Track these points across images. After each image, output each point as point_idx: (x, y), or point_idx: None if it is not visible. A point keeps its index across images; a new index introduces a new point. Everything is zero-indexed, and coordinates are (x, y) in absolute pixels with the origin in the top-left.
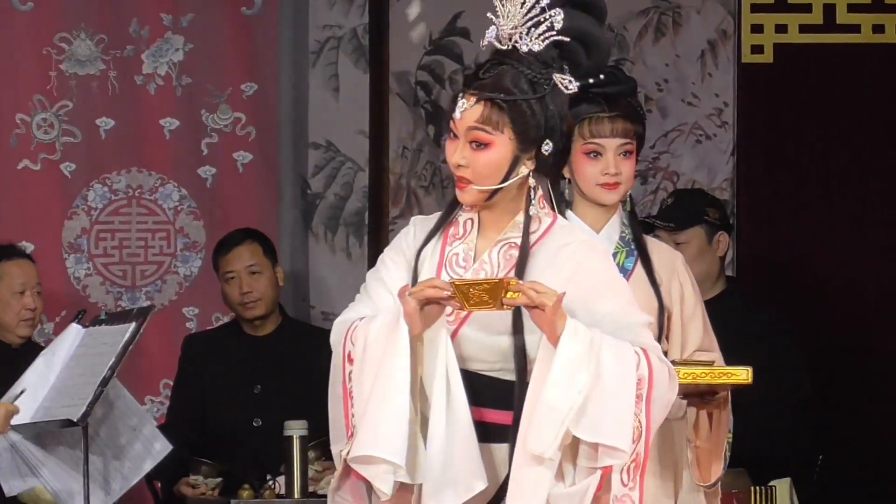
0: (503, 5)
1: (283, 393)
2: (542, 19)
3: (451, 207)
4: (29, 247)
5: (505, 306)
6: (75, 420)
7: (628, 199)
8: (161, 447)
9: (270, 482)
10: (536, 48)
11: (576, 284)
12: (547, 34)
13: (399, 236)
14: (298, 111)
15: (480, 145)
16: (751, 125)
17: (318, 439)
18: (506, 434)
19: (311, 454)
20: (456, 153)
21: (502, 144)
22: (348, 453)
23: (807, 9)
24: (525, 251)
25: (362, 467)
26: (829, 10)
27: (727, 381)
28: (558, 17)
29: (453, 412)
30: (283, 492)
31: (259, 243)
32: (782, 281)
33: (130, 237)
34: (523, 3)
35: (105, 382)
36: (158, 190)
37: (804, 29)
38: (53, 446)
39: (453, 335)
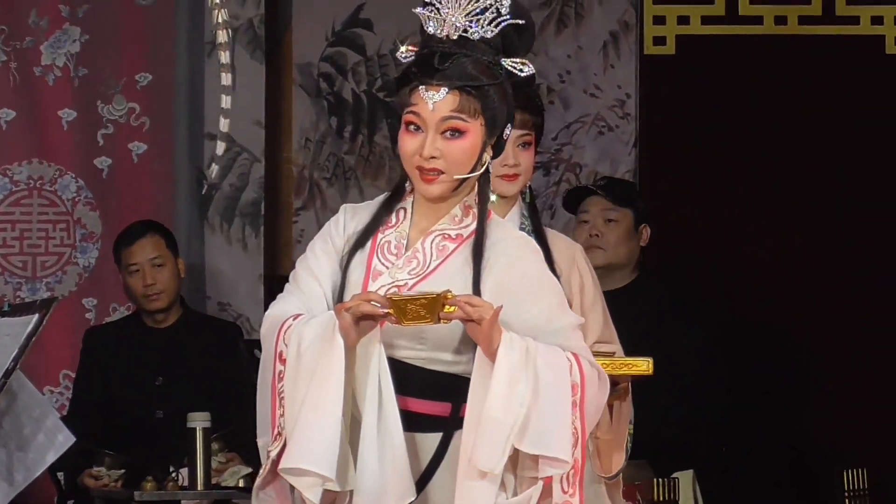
0: None
1: (185, 384)
2: (488, 5)
3: (391, 198)
4: None
5: (442, 321)
6: None
7: (528, 191)
8: (64, 438)
9: (174, 474)
10: (489, 35)
11: (509, 281)
12: (499, 19)
13: (328, 224)
14: (194, 102)
15: (455, 134)
16: (653, 116)
17: (221, 431)
18: (429, 424)
19: (214, 446)
20: (426, 146)
21: (476, 131)
22: (277, 457)
23: (709, 0)
24: (481, 241)
25: (293, 478)
26: (732, 2)
27: (628, 371)
28: (505, 1)
29: (385, 424)
30: (186, 483)
31: (161, 236)
32: (686, 269)
33: (31, 228)
34: None
35: (8, 374)
36: (58, 181)
37: (706, 20)
38: None
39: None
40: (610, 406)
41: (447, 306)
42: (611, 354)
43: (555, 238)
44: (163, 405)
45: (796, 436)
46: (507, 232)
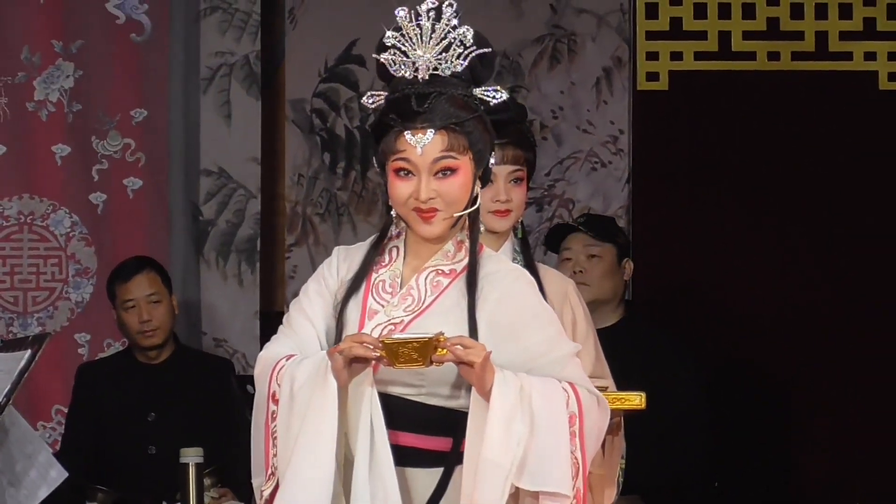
0: (410, 36)
1: (177, 420)
2: (451, 40)
3: (381, 238)
4: None
5: (434, 363)
6: None
7: (520, 226)
8: (57, 474)
9: None
10: (459, 69)
11: (504, 313)
12: (465, 52)
13: (321, 267)
14: (189, 138)
15: (448, 172)
16: (646, 152)
17: (214, 466)
18: (430, 459)
19: (207, 481)
20: (422, 190)
21: (466, 167)
22: (270, 496)
23: (702, 36)
24: (474, 274)
25: None
26: (725, 38)
27: (620, 406)
28: (468, 33)
29: (377, 464)
30: None
31: (157, 272)
32: (678, 306)
33: (22, 263)
34: (427, 30)
35: (0, 410)
36: (50, 216)
37: (699, 56)
38: None
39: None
40: (602, 441)
41: (439, 349)
42: (603, 389)
43: (547, 273)
44: (155, 441)
45: (787, 471)
46: (500, 265)
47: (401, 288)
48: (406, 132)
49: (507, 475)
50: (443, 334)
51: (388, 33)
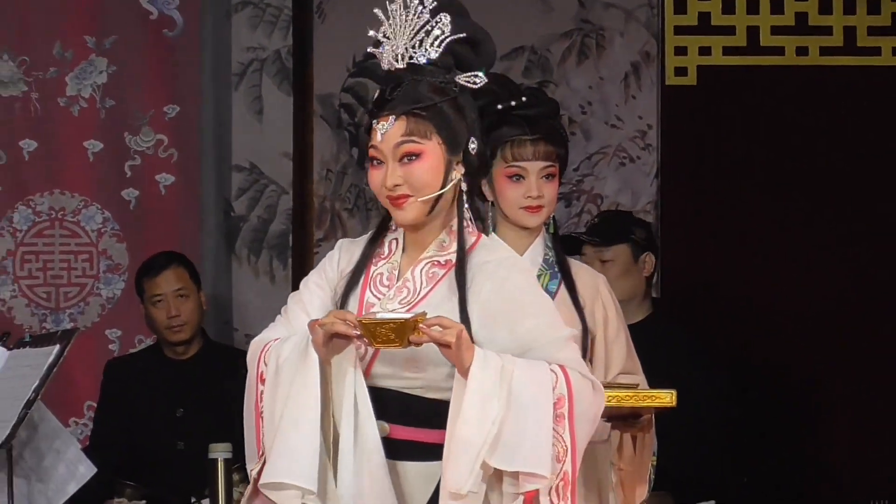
0: (390, 26)
1: (205, 416)
2: (430, 27)
3: (379, 231)
4: None
5: (411, 344)
6: None
7: (552, 222)
8: (85, 470)
9: None
10: (434, 55)
11: (498, 301)
12: (440, 38)
13: (325, 259)
14: (221, 133)
15: (412, 157)
16: (674, 147)
17: (243, 461)
18: (437, 453)
19: (236, 476)
20: (388, 177)
21: (433, 150)
22: (258, 475)
23: (730, 31)
24: (462, 265)
25: (273, 492)
26: (753, 33)
27: (651, 403)
28: (445, 20)
29: (362, 441)
30: None
31: (185, 267)
32: (706, 302)
33: (54, 259)
34: (409, 19)
35: (29, 405)
36: (81, 212)
37: (728, 51)
38: None
39: (375, 353)
40: (633, 438)
41: (417, 330)
42: (634, 386)
43: (578, 269)
44: (184, 436)
45: (814, 469)
46: (496, 253)
47: (398, 280)
48: (374, 121)
49: (477, 453)
50: (424, 315)
51: (382, 27)
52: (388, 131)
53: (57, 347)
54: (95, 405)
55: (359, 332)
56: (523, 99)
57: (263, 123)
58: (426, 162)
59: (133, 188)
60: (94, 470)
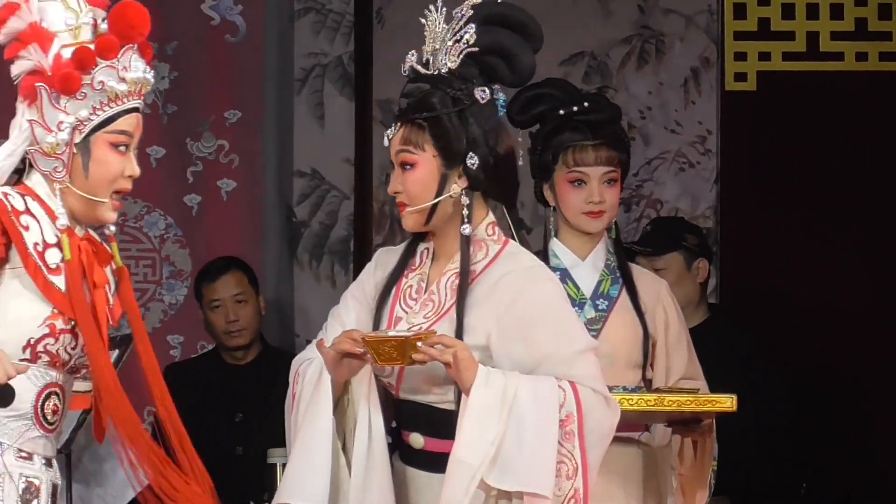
0: (427, 29)
1: (264, 421)
2: (459, 37)
3: (412, 242)
4: None
5: (414, 362)
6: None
7: (613, 227)
8: (144, 476)
9: None
10: (452, 65)
11: (513, 315)
12: (462, 48)
13: (363, 271)
14: (283, 139)
15: (407, 166)
16: (734, 153)
17: None
18: (446, 463)
19: None
20: (392, 182)
21: (426, 162)
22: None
23: (790, 36)
24: (464, 286)
25: None
26: (813, 38)
27: (712, 408)
28: (469, 31)
29: (373, 459)
30: None
31: (243, 272)
32: (765, 307)
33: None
34: (443, 27)
35: (88, 410)
36: (144, 218)
37: (787, 56)
38: None
39: (402, 367)
40: (694, 443)
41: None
42: (695, 391)
43: (640, 274)
44: (242, 441)
45: (872, 474)
46: (517, 263)
47: (424, 293)
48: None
49: (473, 474)
50: (425, 332)
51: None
52: (392, 137)
53: (116, 352)
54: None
55: (363, 350)
56: (585, 104)
57: (325, 129)
58: (417, 172)
59: (195, 194)
60: None
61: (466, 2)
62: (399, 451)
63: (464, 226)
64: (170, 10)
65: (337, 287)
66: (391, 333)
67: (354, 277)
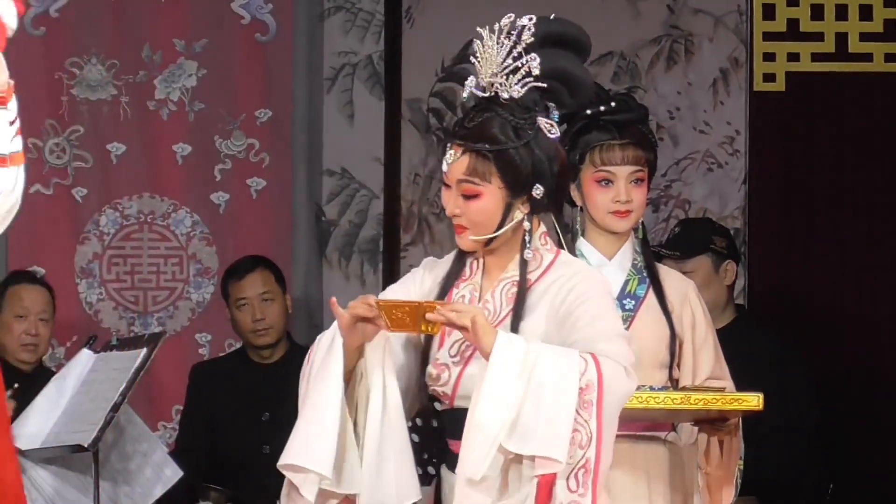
0: (482, 52)
1: (291, 420)
2: (520, 64)
3: (462, 252)
4: (40, 271)
5: (427, 328)
6: (86, 445)
7: (640, 227)
8: (172, 473)
9: None
10: (516, 94)
11: (564, 307)
12: (526, 80)
13: (409, 274)
14: (313, 138)
15: (470, 196)
16: (763, 153)
17: None
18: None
19: None
20: (450, 203)
21: (492, 194)
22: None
23: (819, 37)
24: (523, 293)
25: (291, 474)
26: (842, 39)
27: (738, 407)
28: (535, 61)
29: (389, 425)
30: None
31: (270, 271)
32: (793, 309)
33: (142, 262)
34: (500, 50)
35: (116, 408)
36: (171, 216)
37: (816, 57)
38: (64, 472)
39: (459, 374)
40: (720, 441)
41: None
42: (721, 390)
43: (667, 274)
44: (269, 440)
45: None
46: (570, 268)
47: (479, 302)
48: (447, 144)
49: (493, 438)
50: (437, 300)
51: (473, 47)
52: (453, 163)
53: (144, 351)
54: None
55: (376, 314)
56: (612, 104)
57: (354, 128)
58: (482, 203)
59: (223, 192)
60: (181, 473)
61: (522, 21)
62: (447, 461)
63: (526, 251)
64: (200, 8)
65: (366, 286)
66: (404, 299)
67: (384, 276)
